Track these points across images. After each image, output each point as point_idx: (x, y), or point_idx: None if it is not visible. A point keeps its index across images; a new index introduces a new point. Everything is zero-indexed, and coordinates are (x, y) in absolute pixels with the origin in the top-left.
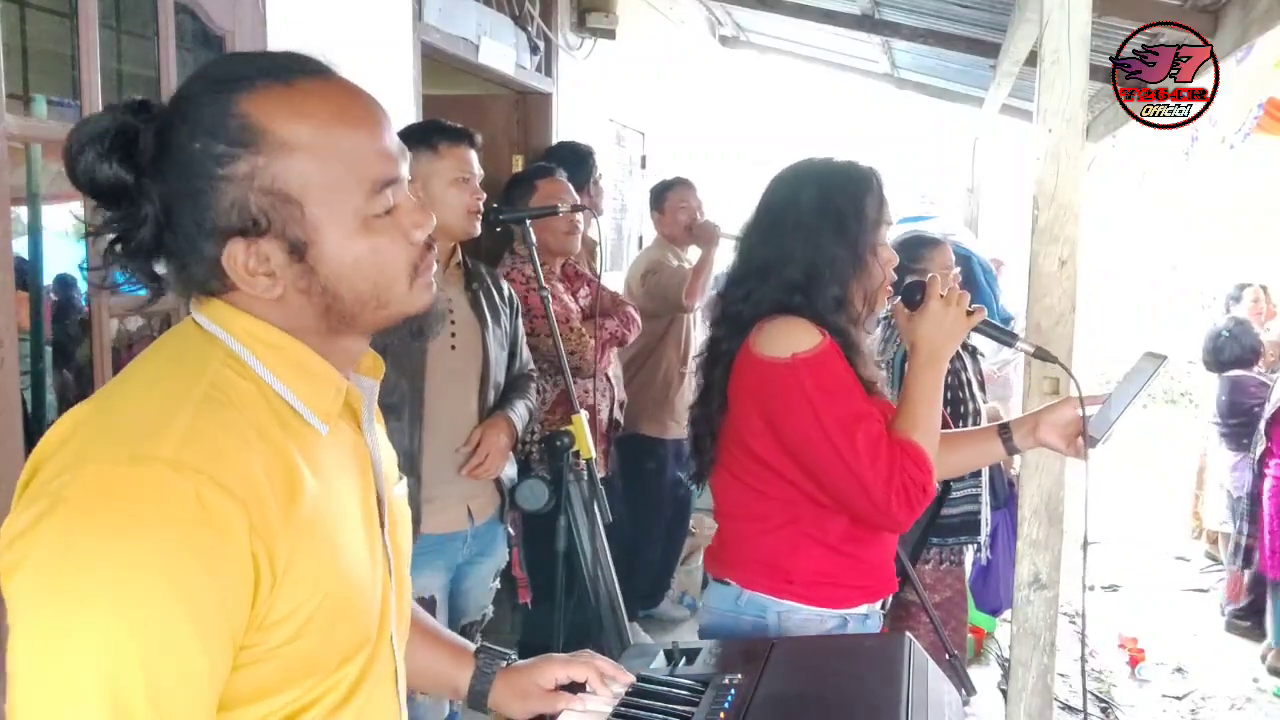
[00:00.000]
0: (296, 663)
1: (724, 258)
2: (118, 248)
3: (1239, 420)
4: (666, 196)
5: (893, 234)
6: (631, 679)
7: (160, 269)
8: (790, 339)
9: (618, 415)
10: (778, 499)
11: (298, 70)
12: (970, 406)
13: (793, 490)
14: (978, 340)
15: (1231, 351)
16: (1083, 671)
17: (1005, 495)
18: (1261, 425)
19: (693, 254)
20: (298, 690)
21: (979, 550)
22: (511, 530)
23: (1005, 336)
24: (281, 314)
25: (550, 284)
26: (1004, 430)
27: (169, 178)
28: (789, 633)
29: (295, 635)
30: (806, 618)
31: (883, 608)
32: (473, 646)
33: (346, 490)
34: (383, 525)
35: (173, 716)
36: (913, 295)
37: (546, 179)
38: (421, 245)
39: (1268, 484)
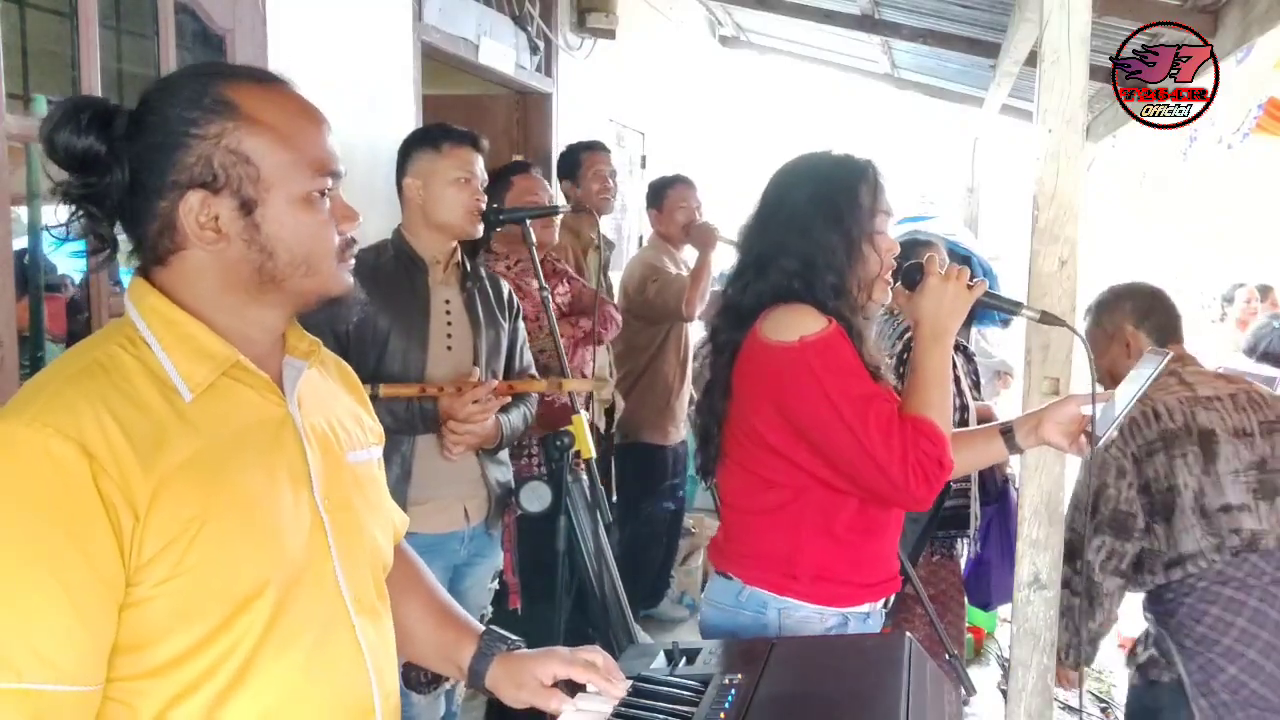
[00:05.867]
0: (188, 598)
1: (721, 262)
2: (82, 211)
3: None
4: (666, 194)
5: (893, 231)
6: (623, 692)
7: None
8: (797, 324)
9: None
10: (789, 486)
11: (270, 78)
12: (959, 402)
13: (804, 476)
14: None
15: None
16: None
17: (996, 491)
18: None
19: (688, 254)
20: (204, 626)
21: (970, 544)
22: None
23: (1010, 305)
24: (213, 275)
25: (524, 280)
26: (1005, 430)
27: (141, 141)
28: (788, 630)
29: (174, 571)
30: (807, 615)
31: (885, 606)
32: (481, 628)
33: (256, 451)
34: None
35: (40, 644)
36: (912, 277)
37: (522, 175)
38: (345, 238)
39: None
